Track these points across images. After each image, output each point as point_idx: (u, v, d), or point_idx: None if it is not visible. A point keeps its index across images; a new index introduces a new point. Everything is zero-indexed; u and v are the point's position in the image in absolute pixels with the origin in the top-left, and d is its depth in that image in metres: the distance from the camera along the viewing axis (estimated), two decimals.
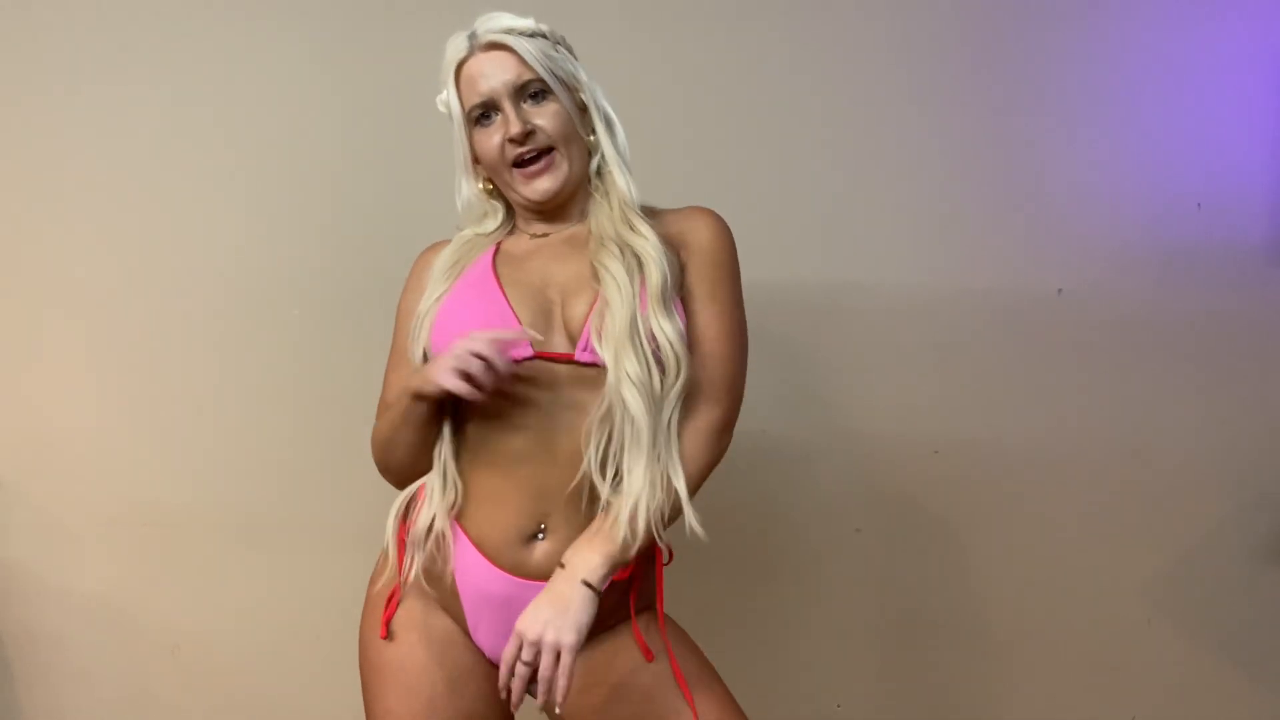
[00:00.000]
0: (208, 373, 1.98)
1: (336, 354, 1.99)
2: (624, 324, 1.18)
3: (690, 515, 1.19)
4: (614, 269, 1.21)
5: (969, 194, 2.06)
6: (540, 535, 1.24)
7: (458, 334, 1.18)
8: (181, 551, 2.00)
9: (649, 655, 1.26)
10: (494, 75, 1.25)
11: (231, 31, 1.95)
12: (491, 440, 1.25)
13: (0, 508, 1.98)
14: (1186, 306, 2.08)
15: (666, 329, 1.19)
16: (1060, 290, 2.07)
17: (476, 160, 1.32)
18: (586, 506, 1.22)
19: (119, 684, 2.02)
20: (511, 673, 1.14)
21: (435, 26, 1.97)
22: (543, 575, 1.21)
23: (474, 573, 1.26)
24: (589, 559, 1.16)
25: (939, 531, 2.11)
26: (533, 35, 1.26)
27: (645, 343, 1.18)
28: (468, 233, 1.37)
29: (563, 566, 1.17)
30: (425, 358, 1.27)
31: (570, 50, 1.32)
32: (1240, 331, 2.10)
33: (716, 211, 1.32)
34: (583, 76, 1.31)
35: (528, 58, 1.24)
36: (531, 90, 1.26)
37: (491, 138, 1.27)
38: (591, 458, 1.18)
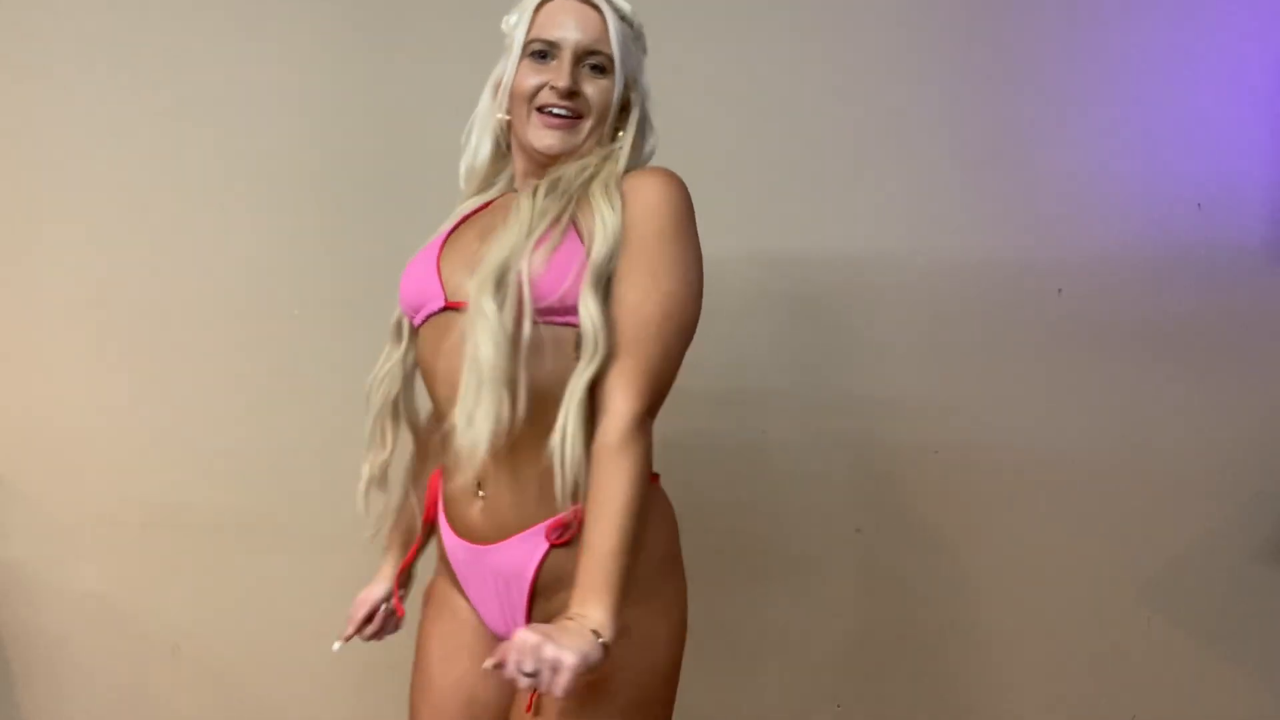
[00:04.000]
0: (208, 372, 1.98)
1: (337, 354, 1.99)
2: (495, 261, 1.12)
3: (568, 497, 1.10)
4: (523, 206, 1.17)
5: (969, 194, 2.06)
6: (480, 493, 1.20)
7: (403, 295, 1.28)
8: (181, 551, 2.00)
9: None
10: (574, 27, 1.23)
11: (232, 29, 1.95)
12: (432, 396, 1.27)
13: (0, 508, 1.98)
14: (1186, 306, 2.08)
15: (591, 307, 1.11)
16: (1060, 290, 2.07)
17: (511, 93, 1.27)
18: (509, 458, 1.15)
19: (119, 684, 2.02)
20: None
21: (437, 29, 1.98)
22: (483, 538, 1.19)
23: (444, 536, 1.29)
24: (592, 611, 1.05)
25: (939, 531, 2.11)
26: (624, 18, 1.26)
27: (514, 286, 1.11)
28: (468, 204, 1.36)
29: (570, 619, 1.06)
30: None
31: (643, 50, 1.33)
32: (1240, 331, 2.09)
33: (670, 172, 1.20)
34: (642, 79, 1.31)
35: (610, 31, 1.23)
36: (596, 61, 1.24)
37: (537, 75, 1.24)
38: (465, 401, 1.11)
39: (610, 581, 1.04)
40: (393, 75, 1.97)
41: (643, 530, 1.09)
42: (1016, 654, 2.13)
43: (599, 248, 1.13)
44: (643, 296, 1.13)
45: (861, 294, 2.05)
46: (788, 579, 2.08)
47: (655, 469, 1.20)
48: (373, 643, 2.03)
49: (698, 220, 1.21)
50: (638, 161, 1.29)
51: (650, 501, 1.14)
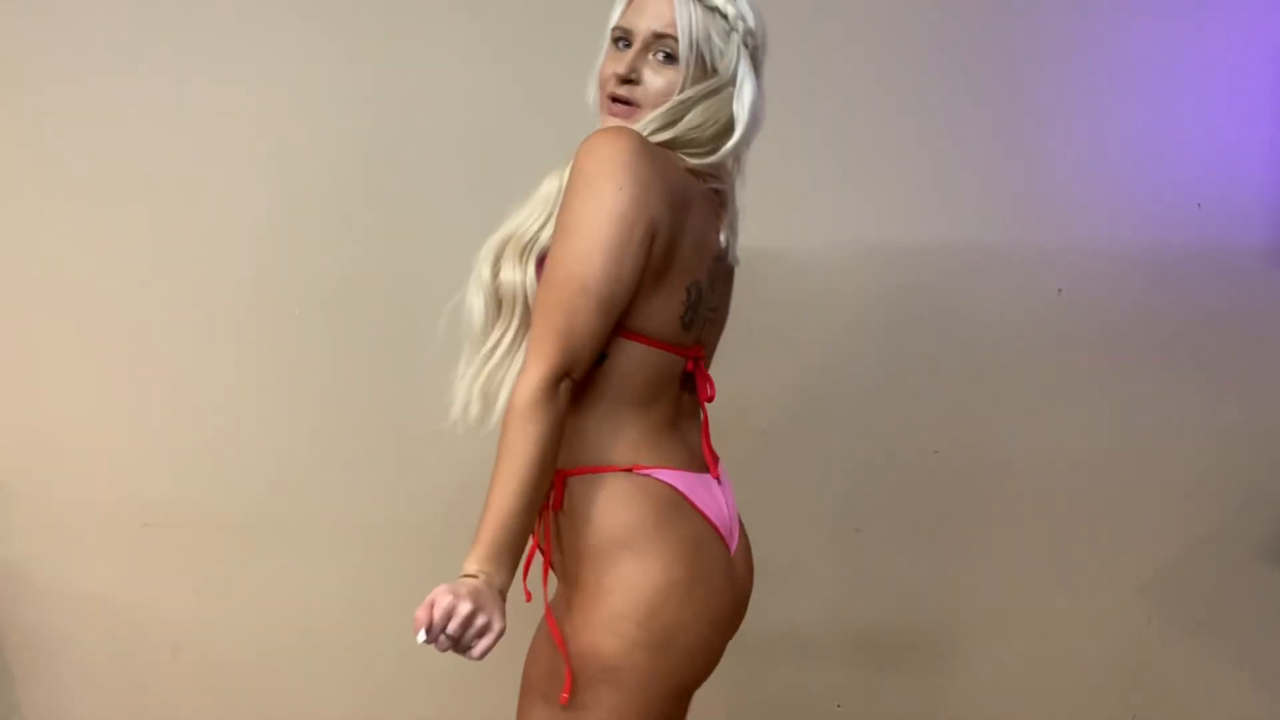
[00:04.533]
0: (208, 372, 1.98)
1: (337, 354, 1.99)
2: (508, 232, 1.21)
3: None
4: (548, 183, 1.22)
5: (969, 194, 2.06)
6: None
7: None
8: (181, 551, 1.99)
9: (528, 596, 1.25)
10: (645, 15, 1.22)
11: (232, 31, 1.95)
12: None
13: (0, 508, 1.98)
14: (1186, 307, 2.08)
15: (510, 271, 1.19)
16: (1060, 290, 2.07)
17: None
18: None
19: (119, 684, 2.02)
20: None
21: (438, 30, 1.98)
22: None
23: None
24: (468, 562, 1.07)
25: (939, 531, 2.11)
26: (711, 9, 1.21)
27: (525, 262, 1.19)
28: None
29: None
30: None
31: (754, 47, 1.25)
32: (1240, 331, 2.10)
33: (603, 130, 1.17)
34: (738, 72, 1.23)
35: (680, 19, 1.20)
36: (664, 48, 1.21)
37: (613, 62, 1.24)
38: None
39: (485, 534, 1.05)
40: (393, 76, 1.96)
41: (545, 488, 1.10)
42: (1017, 654, 2.13)
43: (525, 213, 1.21)
44: (552, 259, 1.13)
45: (861, 294, 2.05)
46: (788, 579, 2.08)
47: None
48: (372, 641, 2.04)
49: None
50: (702, 152, 1.23)
51: (617, 488, 1.16)
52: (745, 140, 1.24)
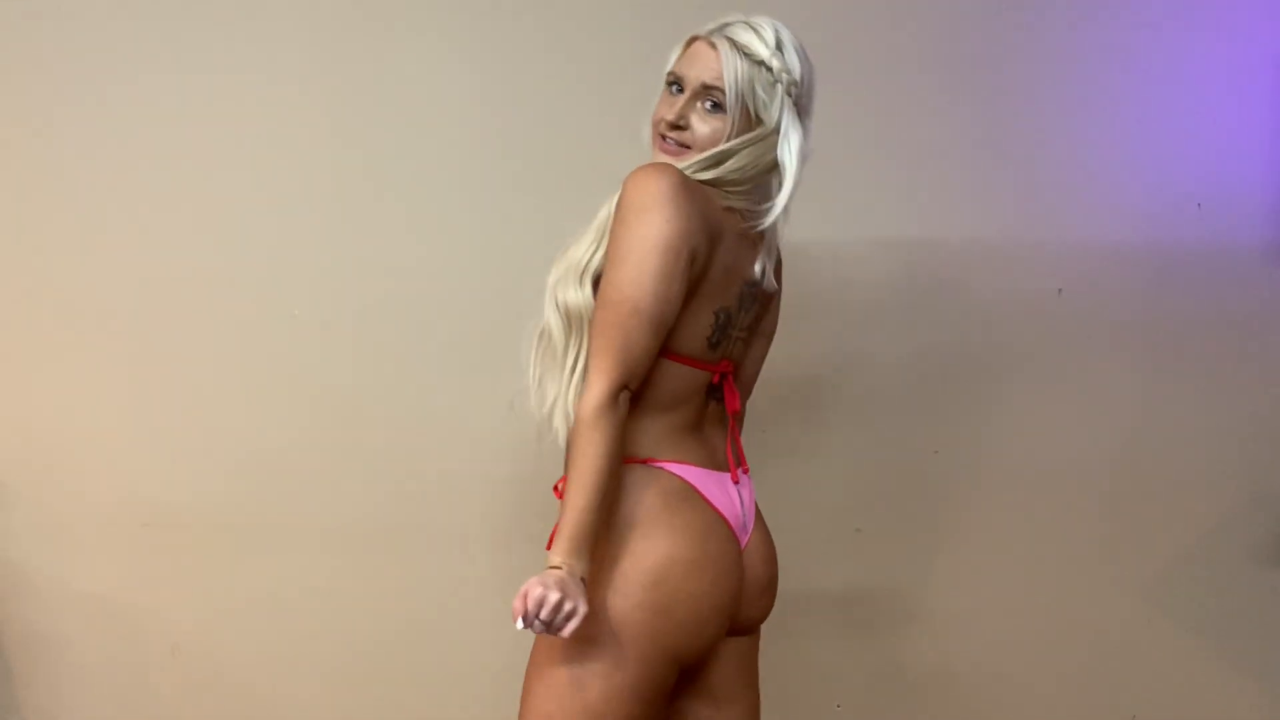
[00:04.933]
0: (208, 372, 1.98)
1: (337, 354, 1.99)
2: (570, 259, 1.32)
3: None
4: (601, 211, 1.32)
5: (969, 194, 2.06)
6: None
7: None
8: (181, 551, 1.99)
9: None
10: (697, 66, 1.33)
11: (232, 31, 1.95)
12: None
13: (0, 508, 1.98)
14: (1186, 306, 2.08)
15: (571, 294, 1.31)
16: (1060, 290, 2.07)
17: None
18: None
19: (119, 684, 2.02)
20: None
21: (439, 32, 1.98)
22: None
23: None
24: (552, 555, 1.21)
25: (939, 531, 2.11)
26: (757, 63, 1.32)
27: (583, 284, 1.30)
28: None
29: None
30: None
31: (800, 97, 1.35)
32: (1240, 331, 2.10)
33: (650, 165, 1.29)
34: (781, 121, 1.33)
35: (726, 73, 1.31)
36: (712, 98, 1.33)
37: (666, 106, 1.36)
38: (530, 370, 1.34)
39: (564, 530, 1.20)
40: (394, 76, 1.97)
41: (612, 488, 1.24)
42: (1016, 654, 2.13)
43: (581, 239, 1.33)
44: (605, 283, 1.26)
45: (860, 294, 2.05)
46: (787, 579, 2.07)
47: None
48: (371, 641, 2.04)
49: None
50: (742, 191, 1.34)
51: (633, 477, 1.31)
52: (797, 186, 1.36)
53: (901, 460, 2.09)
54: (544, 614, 1.13)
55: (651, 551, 1.28)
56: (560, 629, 1.15)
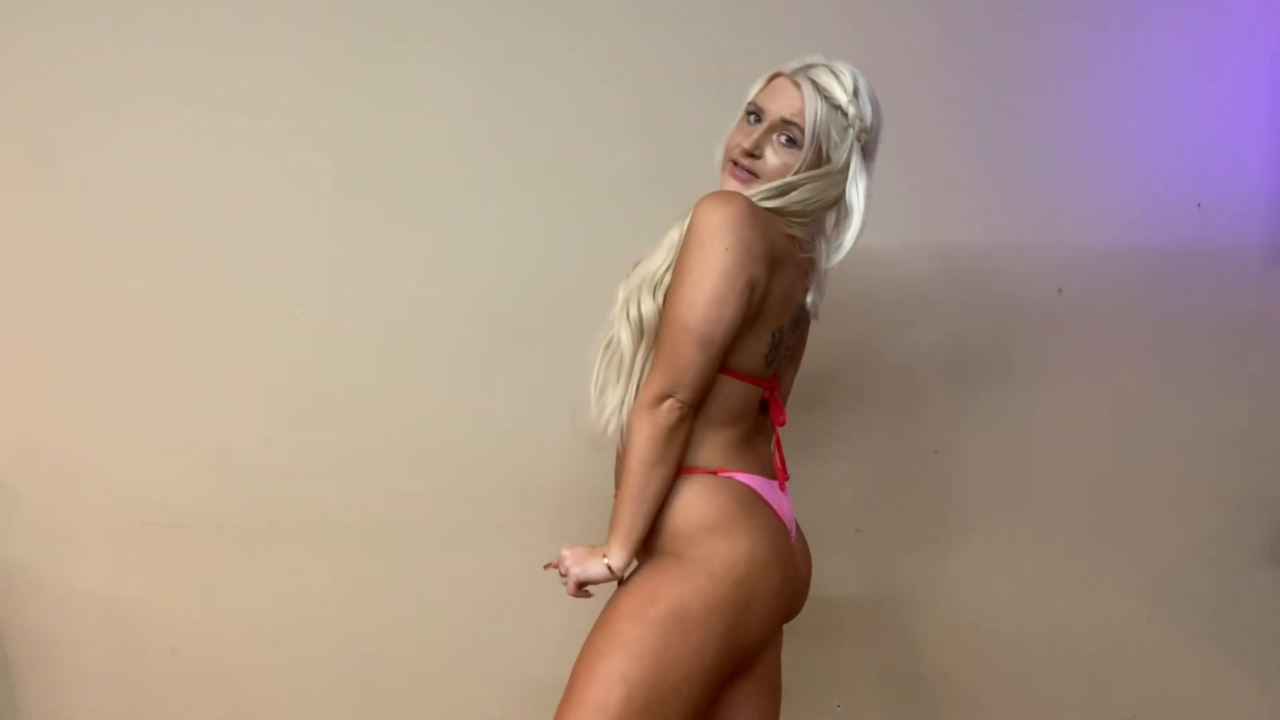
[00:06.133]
0: (208, 373, 1.98)
1: (337, 354, 1.99)
2: (644, 273, 1.41)
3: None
4: (672, 233, 1.40)
5: (969, 194, 2.06)
6: None
7: None
8: (181, 551, 2.00)
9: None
10: (779, 101, 1.41)
11: (232, 31, 1.95)
12: None
13: (1, 508, 1.98)
14: (1186, 307, 2.08)
15: (644, 304, 1.39)
16: (1060, 290, 2.07)
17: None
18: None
19: (119, 684, 2.02)
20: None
21: (440, 33, 1.98)
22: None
23: None
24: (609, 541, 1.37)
25: (939, 531, 2.11)
26: (835, 106, 1.39)
27: (655, 297, 1.38)
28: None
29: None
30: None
31: (868, 143, 1.43)
32: (1240, 331, 2.10)
33: (718, 194, 1.37)
34: (848, 161, 1.41)
35: (807, 113, 1.38)
36: (789, 133, 1.40)
37: (742, 133, 1.44)
38: (594, 378, 1.43)
39: (616, 521, 1.35)
40: (395, 77, 1.97)
41: (653, 484, 1.34)
42: (1016, 654, 2.13)
43: (654, 257, 1.41)
44: (668, 302, 1.36)
45: (860, 294, 2.05)
46: None
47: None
48: (371, 641, 2.04)
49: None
50: (804, 222, 1.42)
51: (706, 485, 1.39)
52: (864, 226, 1.44)
53: (901, 460, 2.09)
54: (561, 568, 1.38)
55: (733, 551, 1.36)
56: (570, 585, 1.37)
